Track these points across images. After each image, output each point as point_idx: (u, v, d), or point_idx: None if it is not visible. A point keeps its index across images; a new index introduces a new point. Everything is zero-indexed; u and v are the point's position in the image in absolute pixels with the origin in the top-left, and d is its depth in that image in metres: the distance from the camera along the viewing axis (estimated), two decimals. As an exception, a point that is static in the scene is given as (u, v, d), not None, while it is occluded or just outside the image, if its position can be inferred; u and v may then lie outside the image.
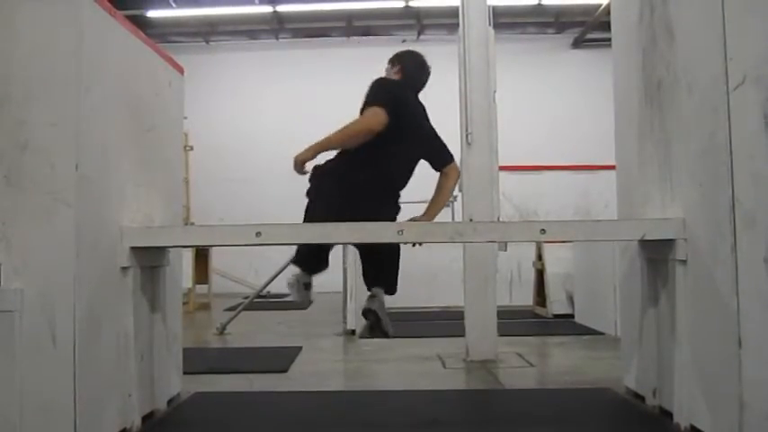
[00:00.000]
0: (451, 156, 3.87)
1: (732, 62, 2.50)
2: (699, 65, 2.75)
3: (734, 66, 2.50)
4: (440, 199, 3.80)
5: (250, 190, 11.69)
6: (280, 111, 11.92)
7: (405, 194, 3.73)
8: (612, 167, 3.87)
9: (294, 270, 3.75)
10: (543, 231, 3.02)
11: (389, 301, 3.60)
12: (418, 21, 11.89)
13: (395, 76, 3.76)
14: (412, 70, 3.80)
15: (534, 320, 7.12)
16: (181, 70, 3.75)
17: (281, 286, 8.11)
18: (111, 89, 2.89)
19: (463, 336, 4.81)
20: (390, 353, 5.13)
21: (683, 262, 2.86)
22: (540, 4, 11.36)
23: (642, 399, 3.29)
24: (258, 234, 2.96)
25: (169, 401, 3.36)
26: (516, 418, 3.25)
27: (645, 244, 3.20)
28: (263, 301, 8.60)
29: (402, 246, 3.66)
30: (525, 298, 7.90)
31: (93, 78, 2.71)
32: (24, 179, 2.56)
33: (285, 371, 4.43)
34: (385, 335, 3.60)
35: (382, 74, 3.79)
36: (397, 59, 3.82)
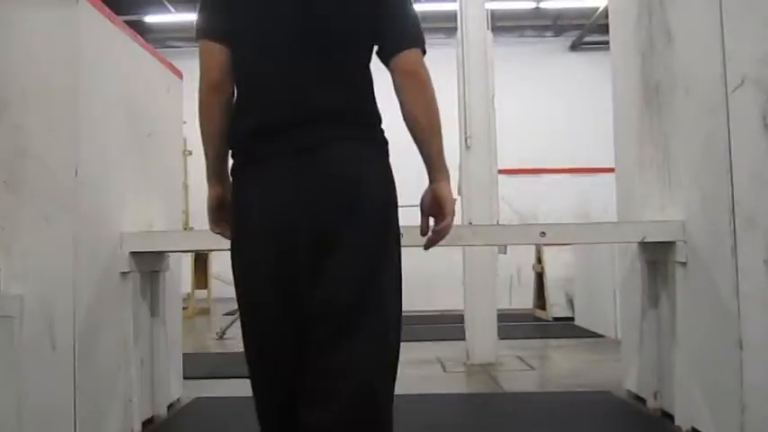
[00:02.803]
0: None
1: (730, 64, 2.50)
2: (697, 67, 2.75)
3: (732, 68, 2.50)
4: None
5: (249, 194, 11.65)
6: (279, 115, 11.90)
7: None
8: (612, 170, 3.87)
9: None
10: (543, 234, 3.02)
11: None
12: (416, 24, 11.90)
13: None
14: None
15: (534, 323, 7.11)
16: (180, 75, 3.75)
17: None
18: (109, 94, 2.89)
19: (463, 339, 4.80)
20: (390, 357, 5.11)
21: (683, 264, 2.86)
22: (538, 8, 11.37)
23: (643, 401, 3.28)
24: (258, 238, 2.96)
25: (169, 406, 3.36)
26: (517, 422, 3.25)
27: (645, 246, 3.19)
28: (262, 306, 8.59)
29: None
30: (525, 301, 7.89)
31: (92, 84, 2.71)
32: (24, 185, 2.55)
33: (285, 375, 4.42)
34: None
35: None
36: None
